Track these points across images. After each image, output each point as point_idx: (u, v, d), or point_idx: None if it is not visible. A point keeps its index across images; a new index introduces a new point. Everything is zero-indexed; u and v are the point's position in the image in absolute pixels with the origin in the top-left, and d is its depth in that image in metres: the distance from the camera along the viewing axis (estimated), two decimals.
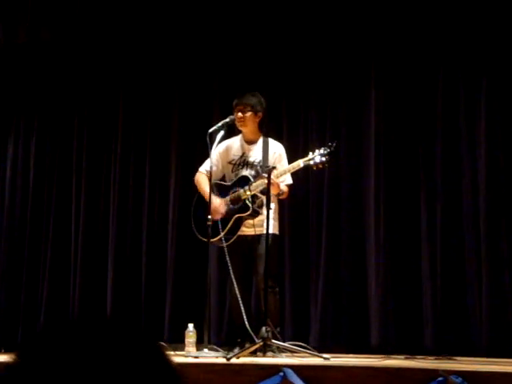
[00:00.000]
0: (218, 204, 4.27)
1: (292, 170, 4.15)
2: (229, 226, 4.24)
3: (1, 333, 5.90)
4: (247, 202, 4.22)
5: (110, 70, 5.98)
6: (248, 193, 4.21)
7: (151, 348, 0.82)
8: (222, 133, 4.21)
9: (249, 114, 4.34)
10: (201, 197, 4.38)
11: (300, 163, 4.08)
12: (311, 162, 4.02)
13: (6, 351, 5.50)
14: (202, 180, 4.40)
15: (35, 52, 6.11)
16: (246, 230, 4.27)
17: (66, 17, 5.72)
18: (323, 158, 3.99)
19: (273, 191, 4.00)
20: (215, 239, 4.21)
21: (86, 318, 0.83)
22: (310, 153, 4.06)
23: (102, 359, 0.77)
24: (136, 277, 5.60)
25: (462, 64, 4.76)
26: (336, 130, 5.11)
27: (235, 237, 4.24)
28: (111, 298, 5.59)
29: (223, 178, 4.45)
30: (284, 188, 4.20)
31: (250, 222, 4.22)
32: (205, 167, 4.42)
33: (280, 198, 4.25)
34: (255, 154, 4.38)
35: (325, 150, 4.01)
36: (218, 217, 4.23)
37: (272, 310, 4.07)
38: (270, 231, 4.00)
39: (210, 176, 4.23)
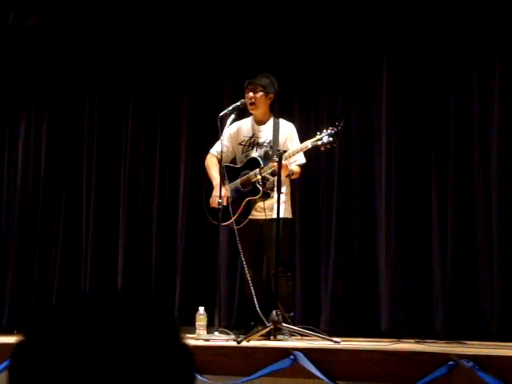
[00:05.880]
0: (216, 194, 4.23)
1: (300, 151, 4.12)
2: (240, 209, 4.24)
3: (14, 315, 5.96)
4: (257, 184, 4.21)
5: (120, 52, 5.97)
6: (258, 176, 4.20)
7: (164, 324, 0.81)
8: (232, 116, 4.21)
9: (260, 94, 4.31)
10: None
11: (308, 144, 4.05)
12: (319, 143, 3.99)
13: (19, 332, 5.55)
14: (210, 163, 4.39)
15: (46, 35, 6.11)
16: (257, 213, 4.27)
17: (77, 1, 5.71)
18: (331, 138, 3.95)
19: (282, 173, 3.98)
20: (227, 223, 4.21)
21: (97, 294, 0.82)
22: (318, 133, 4.03)
23: (113, 335, 0.76)
24: (146, 260, 5.62)
25: (475, 46, 4.70)
26: (347, 111, 5.07)
27: (246, 220, 4.24)
28: (122, 281, 5.62)
29: (234, 160, 4.44)
30: (295, 168, 4.18)
31: (261, 205, 4.22)
32: (215, 149, 4.41)
33: (292, 178, 4.23)
34: (265, 134, 4.37)
35: (332, 129, 3.97)
36: (212, 203, 4.21)
37: (284, 294, 4.07)
38: (282, 215, 3.99)
39: (220, 158, 4.21)
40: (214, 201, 4.21)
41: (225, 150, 4.29)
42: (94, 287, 5.67)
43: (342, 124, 3.99)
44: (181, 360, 0.79)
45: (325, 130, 4.00)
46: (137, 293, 0.82)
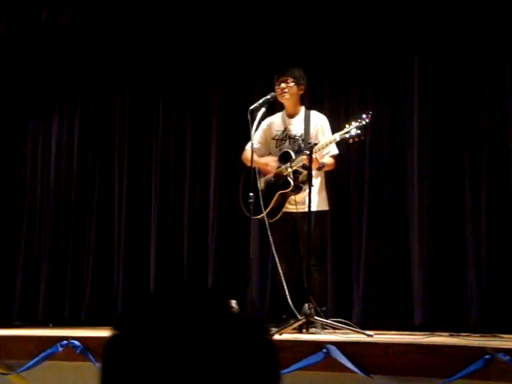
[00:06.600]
0: (268, 160, 4.29)
1: (329, 144, 4.10)
2: (272, 202, 4.23)
3: (48, 308, 6.05)
4: (289, 178, 4.20)
5: (150, 46, 6.00)
6: (289, 169, 4.19)
7: (254, 320, 0.81)
8: (262, 110, 4.18)
9: (292, 84, 4.31)
10: (248, 174, 4.38)
11: (336, 137, 4.03)
12: (347, 136, 3.96)
13: (54, 325, 5.65)
14: (249, 155, 4.40)
15: (78, 32, 6.19)
16: (291, 206, 4.25)
17: None
18: (359, 131, 3.91)
19: (313, 166, 3.95)
20: (259, 216, 4.20)
21: (191, 288, 0.81)
22: (347, 125, 4.00)
23: (212, 330, 0.75)
24: (178, 253, 5.65)
25: (509, 39, 4.62)
26: (378, 103, 5.01)
27: (280, 214, 4.23)
28: (154, 276, 5.66)
29: (269, 156, 4.43)
30: (327, 160, 4.16)
31: (294, 198, 4.21)
32: (250, 145, 4.41)
33: (326, 170, 4.22)
34: (297, 127, 4.35)
35: (360, 122, 3.93)
36: (270, 172, 4.26)
37: (316, 288, 4.06)
38: (314, 208, 3.98)
39: (251, 153, 4.21)
40: (270, 168, 4.22)
41: (259, 146, 4.29)
42: (126, 284, 5.71)
43: (370, 116, 3.94)
44: (268, 357, 0.79)
45: (353, 123, 3.96)
46: (226, 289, 0.82)
